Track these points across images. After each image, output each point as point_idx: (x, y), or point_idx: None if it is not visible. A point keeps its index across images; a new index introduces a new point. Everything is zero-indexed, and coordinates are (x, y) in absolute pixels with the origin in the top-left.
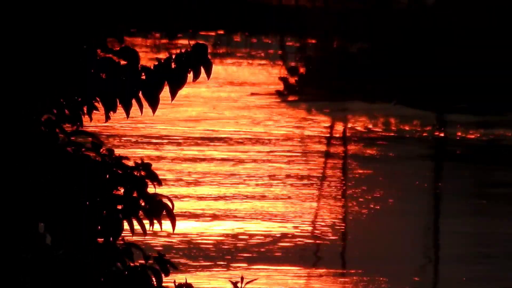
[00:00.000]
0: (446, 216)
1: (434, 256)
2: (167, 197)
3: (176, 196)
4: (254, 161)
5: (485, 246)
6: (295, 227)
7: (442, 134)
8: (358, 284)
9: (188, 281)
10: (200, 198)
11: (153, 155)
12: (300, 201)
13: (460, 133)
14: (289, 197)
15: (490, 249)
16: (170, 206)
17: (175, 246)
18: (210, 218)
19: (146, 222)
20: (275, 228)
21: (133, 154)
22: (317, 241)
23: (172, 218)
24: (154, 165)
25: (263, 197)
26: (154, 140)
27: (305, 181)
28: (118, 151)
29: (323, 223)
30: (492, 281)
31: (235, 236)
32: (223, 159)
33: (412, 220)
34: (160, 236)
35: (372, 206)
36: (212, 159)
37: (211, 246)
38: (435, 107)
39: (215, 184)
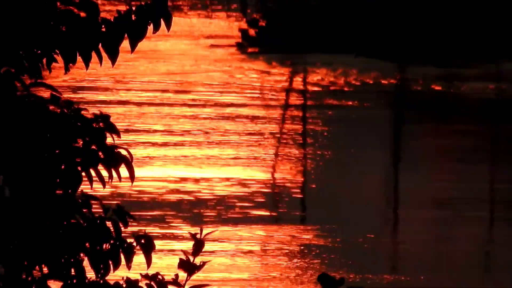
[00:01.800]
0: (405, 168)
1: (393, 213)
2: (126, 149)
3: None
4: (213, 114)
5: (443, 205)
6: (254, 180)
7: (402, 86)
8: (318, 237)
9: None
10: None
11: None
12: (259, 159)
13: (421, 85)
14: (248, 153)
15: (445, 204)
16: (129, 158)
17: (134, 198)
18: (164, 168)
19: (105, 176)
20: (234, 182)
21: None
22: (276, 195)
23: (131, 169)
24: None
25: (222, 151)
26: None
27: (265, 135)
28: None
29: (282, 176)
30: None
31: (193, 191)
32: (181, 115)
33: (371, 172)
34: (119, 188)
35: (331, 158)
36: (165, 114)
37: (168, 198)
38: (396, 58)
39: (165, 134)
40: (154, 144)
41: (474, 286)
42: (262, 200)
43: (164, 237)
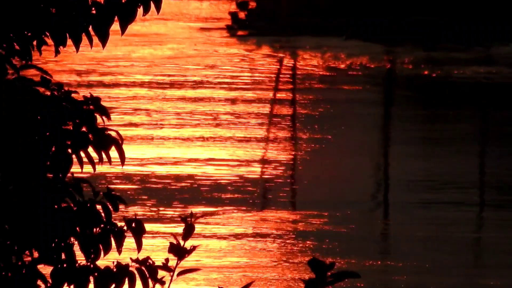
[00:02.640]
0: (394, 153)
1: (382, 198)
2: (116, 132)
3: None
4: (203, 99)
5: (431, 189)
6: (244, 162)
7: (391, 70)
8: (308, 223)
9: (138, 217)
10: (147, 139)
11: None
12: (249, 141)
13: (410, 69)
14: (239, 137)
15: (436, 193)
16: (120, 141)
17: (125, 182)
18: (146, 149)
19: (96, 159)
20: (225, 169)
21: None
22: (267, 182)
23: (121, 153)
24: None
25: (211, 138)
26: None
27: (254, 120)
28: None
29: (272, 164)
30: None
31: (184, 175)
32: (167, 98)
33: (362, 156)
34: (110, 171)
35: (320, 141)
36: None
37: (160, 184)
38: (385, 41)
39: (156, 127)
40: (138, 125)
41: (464, 272)
42: (252, 183)
43: (153, 220)
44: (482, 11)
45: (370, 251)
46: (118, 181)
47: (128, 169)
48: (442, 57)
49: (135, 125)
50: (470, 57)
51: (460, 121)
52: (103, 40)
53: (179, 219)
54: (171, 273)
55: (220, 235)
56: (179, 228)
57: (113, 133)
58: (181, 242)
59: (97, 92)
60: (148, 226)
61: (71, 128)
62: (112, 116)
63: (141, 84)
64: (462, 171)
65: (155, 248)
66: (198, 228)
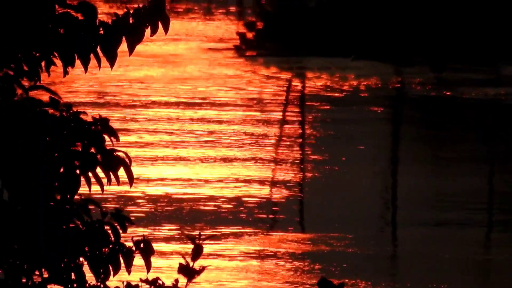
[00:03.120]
0: (403, 173)
1: (391, 218)
2: (125, 153)
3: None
4: (212, 120)
5: (440, 209)
6: (253, 183)
7: (400, 91)
8: (318, 245)
9: (146, 238)
10: (154, 159)
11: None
12: (259, 162)
13: (419, 89)
14: (248, 159)
15: (445, 212)
16: (128, 162)
17: (133, 202)
18: (171, 179)
19: (103, 178)
20: (234, 190)
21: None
22: (276, 203)
23: (130, 173)
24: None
25: (222, 160)
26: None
27: (263, 141)
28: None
29: (281, 185)
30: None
31: (195, 197)
32: (178, 119)
33: (370, 181)
34: (118, 192)
35: (329, 162)
36: (168, 119)
37: (170, 204)
38: (394, 61)
39: (166, 146)
40: (153, 144)
41: None
42: (261, 204)
43: (160, 239)
44: (492, 31)
45: (379, 271)
46: (126, 201)
47: (144, 189)
48: (451, 77)
49: (152, 144)
50: (479, 78)
51: (469, 142)
52: (111, 60)
53: (188, 238)
54: None
55: (228, 255)
56: (187, 246)
57: (121, 154)
58: (190, 263)
59: (112, 112)
60: (162, 246)
61: (80, 149)
62: (130, 137)
63: (158, 104)
64: (472, 191)
65: (168, 269)
66: (206, 248)
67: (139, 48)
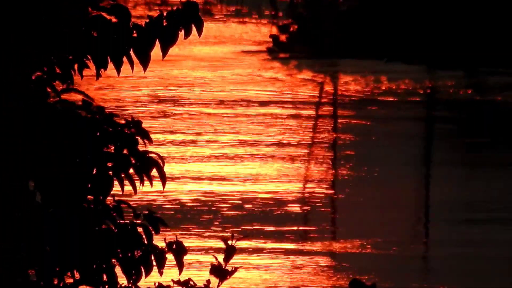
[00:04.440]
0: (436, 179)
1: (424, 220)
2: (157, 154)
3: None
4: (245, 122)
5: (472, 211)
6: (286, 191)
7: (432, 93)
8: (349, 249)
9: (179, 239)
10: (183, 158)
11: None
12: (291, 163)
13: (452, 92)
14: (280, 159)
15: (476, 214)
16: (161, 163)
17: (165, 205)
18: (200, 179)
19: (136, 180)
20: (266, 191)
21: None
22: (307, 206)
23: (162, 175)
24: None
25: (252, 161)
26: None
27: (296, 143)
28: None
29: (313, 188)
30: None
31: (226, 198)
32: (209, 116)
33: (403, 185)
34: (151, 194)
35: (361, 169)
36: (198, 122)
37: (201, 205)
38: (427, 64)
39: (201, 146)
40: (183, 143)
41: None
42: (292, 211)
43: (201, 236)
44: None
45: (411, 273)
46: (156, 203)
47: (184, 187)
48: (484, 80)
49: (194, 142)
50: None
51: (504, 146)
52: (145, 63)
53: (221, 239)
54: None
55: (259, 255)
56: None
57: (154, 155)
58: (222, 264)
59: (156, 108)
60: (194, 244)
61: (112, 151)
62: (175, 136)
63: (199, 104)
64: (508, 194)
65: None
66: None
67: (185, 51)
